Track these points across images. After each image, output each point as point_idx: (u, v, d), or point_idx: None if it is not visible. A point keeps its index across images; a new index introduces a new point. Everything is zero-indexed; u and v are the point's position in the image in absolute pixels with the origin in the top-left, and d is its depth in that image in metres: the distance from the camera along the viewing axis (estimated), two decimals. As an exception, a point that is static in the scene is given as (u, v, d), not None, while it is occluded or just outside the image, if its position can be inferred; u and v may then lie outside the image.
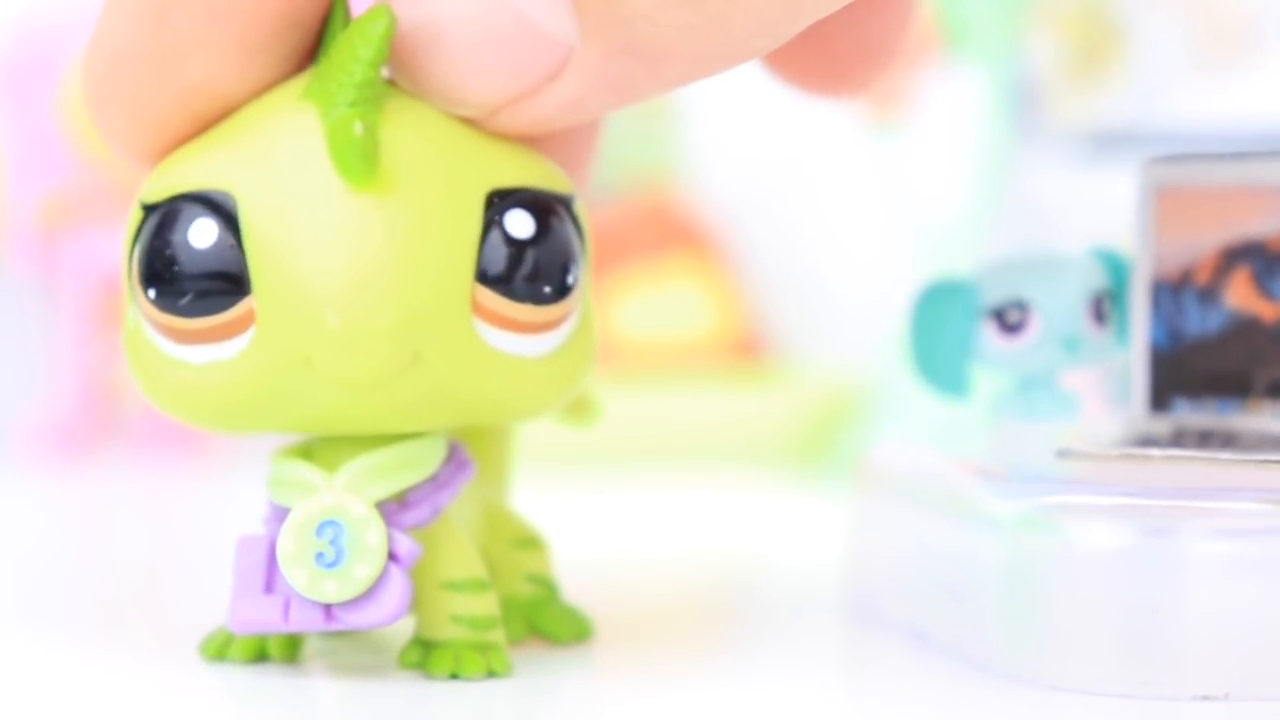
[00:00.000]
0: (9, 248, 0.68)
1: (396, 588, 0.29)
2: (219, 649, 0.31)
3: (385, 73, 0.29)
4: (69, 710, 0.29)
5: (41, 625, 0.36)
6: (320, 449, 0.30)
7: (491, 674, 0.30)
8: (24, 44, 0.68)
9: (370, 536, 0.29)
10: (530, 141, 0.30)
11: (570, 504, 0.54)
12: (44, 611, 0.38)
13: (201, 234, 0.28)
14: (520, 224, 0.29)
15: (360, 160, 0.28)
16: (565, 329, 0.30)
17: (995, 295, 0.35)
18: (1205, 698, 0.29)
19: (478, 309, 0.29)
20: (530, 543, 0.33)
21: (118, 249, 0.30)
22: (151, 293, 0.29)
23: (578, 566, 0.35)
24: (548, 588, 0.33)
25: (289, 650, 0.31)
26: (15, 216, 0.68)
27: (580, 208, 0.30)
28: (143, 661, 0.32)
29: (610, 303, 0.68)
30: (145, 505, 0.58)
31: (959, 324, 0.35)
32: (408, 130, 0.29)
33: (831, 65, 0.34)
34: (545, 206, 0.29)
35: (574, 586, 0.34)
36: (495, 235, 0.29)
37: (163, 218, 0.29)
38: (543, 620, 0.33)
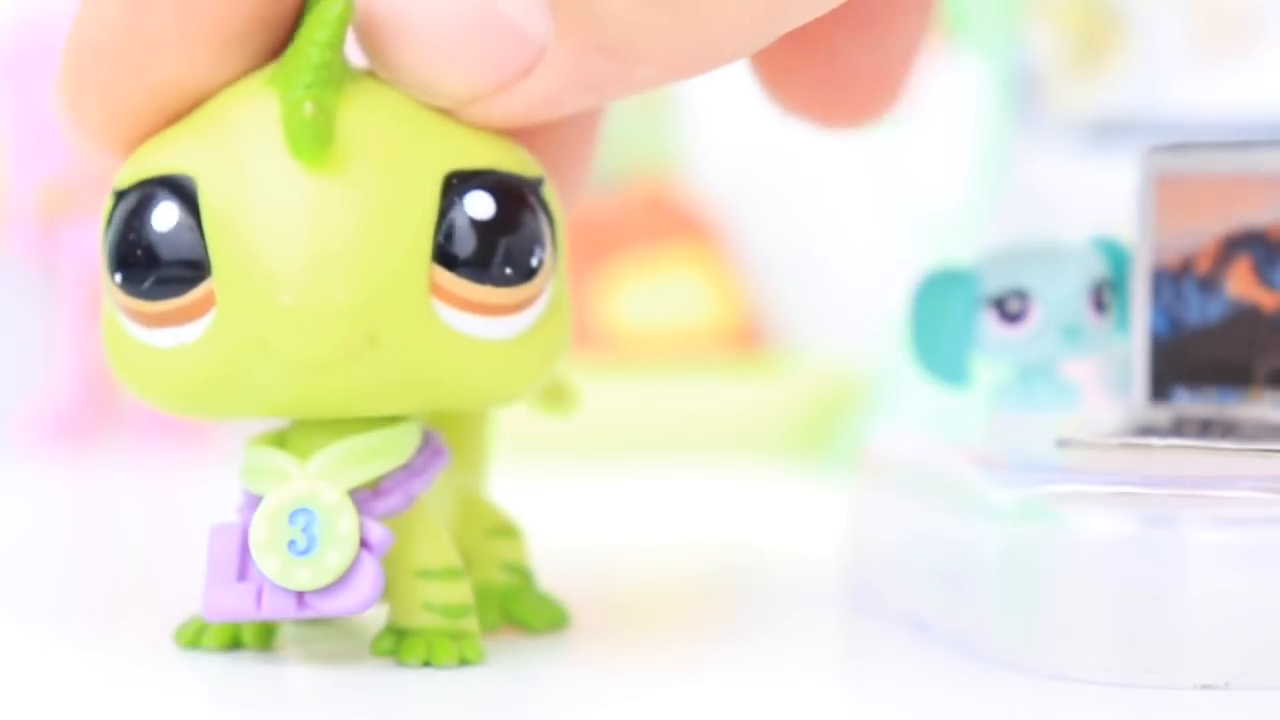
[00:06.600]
0: (9, 235, 0.68)
1: (368, 575, 0.29)
2: (193, 637, 0.31)
3: (362, 61, 0.29)
4: (60, 698, 0.29)
5: (38, 613, 0.36)
6: (293, 436, 0.30)
7: (464, 662, 0.30)
8: (24, 31, 0.68)
9: (342, 524, 0.29)
10: (526, 135, 0.30)
11: (570, 493, 0.54)
12: (41, 599, 0.38)
13: (163, 217, 0.29)
14: (480, 206, 0.29)
15: (312, 140, 0.28)
16: (532, 312, 0.30)
17: (995, 284, 0.35)
18: (1205, 687, 0.29)
19: (436, 290, 0.29)
20: (506, 531, 0.34)
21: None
22: (119, 277, 0.29)
23: (576, 555, 0.36)
24: (523, 576, 0.33)
25: (263, 638, 0.31)
26: (15, 204, 0.68)
27: (549, 191, 0.30)
28: (126, 650, 0.32)
29: (610, 292, 0.68)
30: (144, 494, 0.58)
31: (959, 313, 0.35)
32: (368, 113, 0.29)
33: (842, 94, 0.33)
34: (507, 189, 0.29)
35: (573, 575, 0.34)
36: (453, 217, 0.29)
37: (130, 203, 0.29)
38: (518, 608, 0.33)
